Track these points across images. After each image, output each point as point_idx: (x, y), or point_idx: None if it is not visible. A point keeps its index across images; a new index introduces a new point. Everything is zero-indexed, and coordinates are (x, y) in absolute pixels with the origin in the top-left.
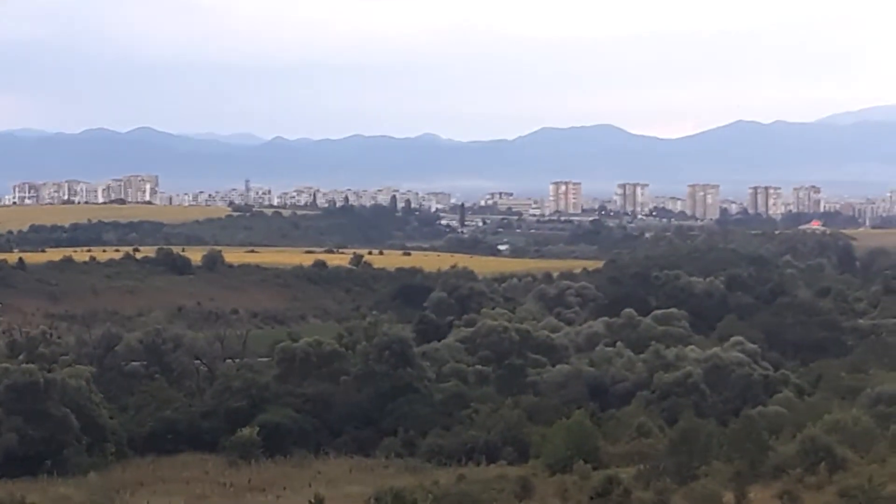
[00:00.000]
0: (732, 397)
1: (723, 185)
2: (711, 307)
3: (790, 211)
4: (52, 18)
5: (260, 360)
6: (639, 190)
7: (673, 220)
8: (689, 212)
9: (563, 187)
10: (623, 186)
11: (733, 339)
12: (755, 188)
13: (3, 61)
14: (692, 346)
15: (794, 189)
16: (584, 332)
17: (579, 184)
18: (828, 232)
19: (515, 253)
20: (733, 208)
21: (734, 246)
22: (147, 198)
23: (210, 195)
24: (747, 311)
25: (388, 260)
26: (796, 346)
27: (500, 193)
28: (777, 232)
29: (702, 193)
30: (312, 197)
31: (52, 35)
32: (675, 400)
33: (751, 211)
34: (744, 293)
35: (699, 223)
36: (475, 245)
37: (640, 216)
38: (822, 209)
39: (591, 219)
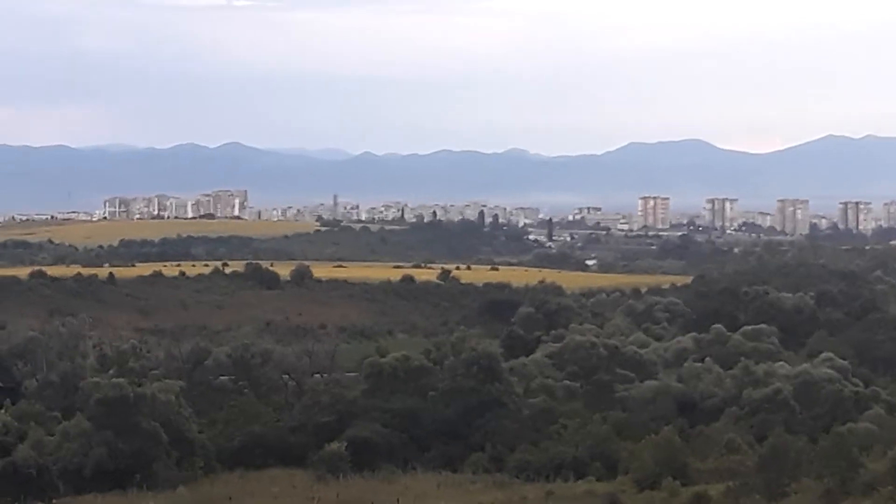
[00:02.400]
0: (822, 414)
1: (812, 200)
2: (801, 323)
3: (881, 226)
4: (142, 34)
5: (348, 374)
6: (728, 205)
7: (762, 235)
8: (778, 227)
9: (651, 202)
10: (712, 201)
11: (823, 355)
12: (845, 203)
13: (94, 76)
14: (782, 363)
15: (885, 204)
16: (672, 348)
17: (668, 199)
18: None
19: (603, 268)
20: (823, 223)
21: (824, 261)
22: (236, 213)
23: (298, 210)
24: (837, 327)
25: (476, 275)
26: (887, 362)
27: (589, 208)
28: (868, 247)
29: (791, 208)
30: (400, 212)
31: (142, 50)
32: (765, 416)
33: (841, 226)
34: (834, 309)
35: (789, 238)
36: (563, 260)
37: (728, 231)
38: None
39: (679, 234)
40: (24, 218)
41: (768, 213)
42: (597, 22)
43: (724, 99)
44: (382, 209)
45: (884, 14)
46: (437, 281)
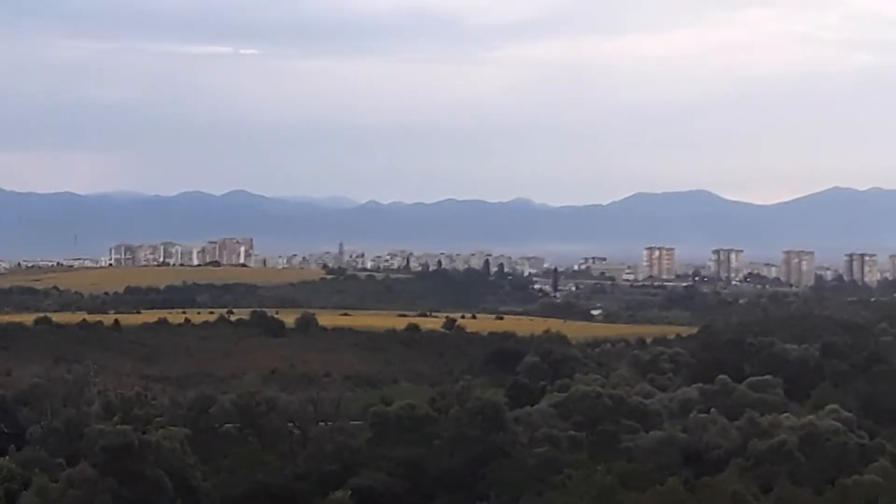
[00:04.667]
0: (828, 466)
1: (818, 251)
2: (806, 374)
3: (886, 278)
4: (148, 81)
5: (353, 423)
6: (733, 256)
7: (768, 286)
8: (783, 278)
9: (656, 252)
10: (717, 252)
11: (828, 406)
12: (851, 255)
13: (100, 124)
14: (787, 414)
15: (891, 256)
16: (677, 398)
17: (673, 249)
18: None
19: (609, 318)
20: (828, 275)
21: (829, 313)
22: (241, 260)
23: (304, 258)
24: (843, 378)
25: (481, 324)
26: (893, 414)
27: (594, 258)
28: (873, 299)
29: (797, 260)
30: (406, 260)
31: (149, 98)
32: (770, 468)
33: (846, 278)
34: (839, 361)
35: (794, 290)
36: (568, 310)
37: (734, 282)
38: None
39: (685, 284)
40: (31, 264)
41: (774, 265)
42: (602, 73)
43: (730, 150)
44: (388, 258)
45: (890, 65)
46: (443, 330)
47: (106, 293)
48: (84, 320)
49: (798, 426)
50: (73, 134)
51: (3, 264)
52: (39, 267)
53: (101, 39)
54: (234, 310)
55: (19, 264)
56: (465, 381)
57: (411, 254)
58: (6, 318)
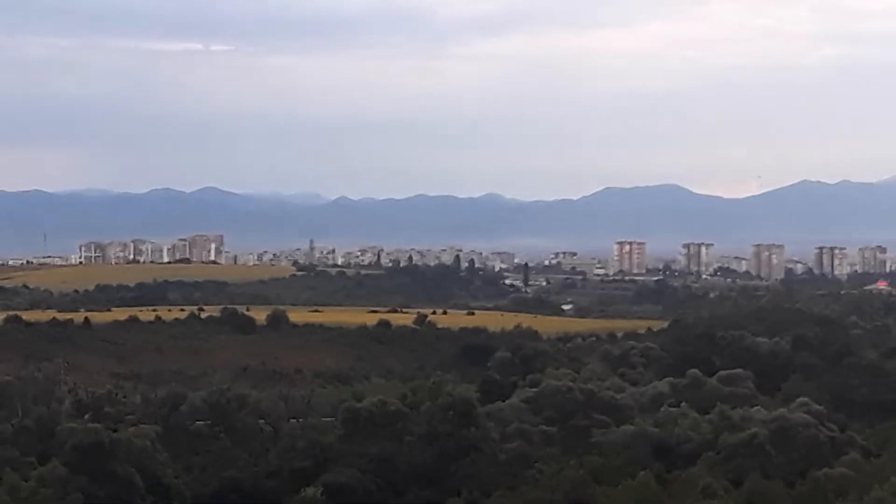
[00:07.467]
0: (798, 459)
1: (788, 245)
2: (777, 368)
3: (856, 271)
4: (119, 77)
5: (324, 419)
6: (703, 250)
7: (738, 280)
8: (753, 272)
9: (627, 247)
10: (687, 246)
11: (799, 400)
12: (821, 248)
13: (69, 121)
14: (758, 407)
15: (860, 249)
16: (648, 393)
17: (643, 243)
18: (894, 292)
19: (580, 312)
20: (799, 268)
21: (799, 306)
22: (212, 257)
23: (274, 254)
24: (813, 371)
25: (452, 319)
26: (863, 407)
27: (564, 253)
28: (843, 292)
29: (767, 253)
30: (376, 256)
31: (118, 94)
32: (741, 461)
33: (816, 271)
34: (810, 354)
35: (764, 283)
36: (539, 305)
37: (704, 276)
38: (888, 269)
39: (655, 278)
40: (0, 263)
41: (744, 258)
42: (571, 69)
43: (699, 144)
44: (358, 254)
45: (858, 59)
46: (414, 325)
47: (76, 291)
48: (54, 319)
49: (769, 419)
50: (42, 132)
51: None
52: (9, 265)
53: (68, 36)
54: (205, 307)
55: None
56: (437, 377)
57: (382, 250)
58: None
